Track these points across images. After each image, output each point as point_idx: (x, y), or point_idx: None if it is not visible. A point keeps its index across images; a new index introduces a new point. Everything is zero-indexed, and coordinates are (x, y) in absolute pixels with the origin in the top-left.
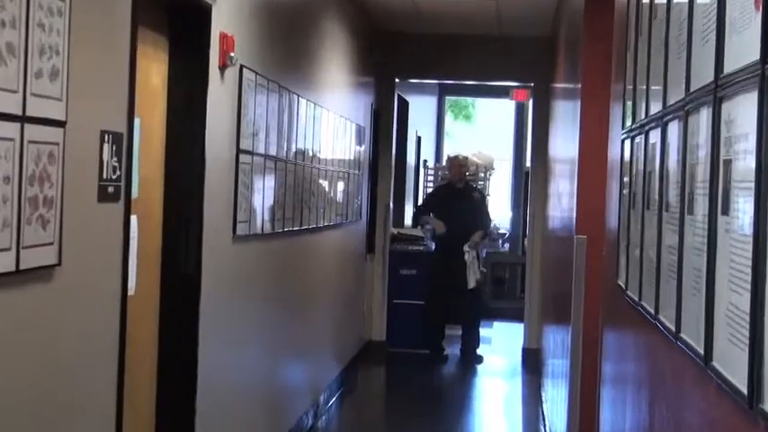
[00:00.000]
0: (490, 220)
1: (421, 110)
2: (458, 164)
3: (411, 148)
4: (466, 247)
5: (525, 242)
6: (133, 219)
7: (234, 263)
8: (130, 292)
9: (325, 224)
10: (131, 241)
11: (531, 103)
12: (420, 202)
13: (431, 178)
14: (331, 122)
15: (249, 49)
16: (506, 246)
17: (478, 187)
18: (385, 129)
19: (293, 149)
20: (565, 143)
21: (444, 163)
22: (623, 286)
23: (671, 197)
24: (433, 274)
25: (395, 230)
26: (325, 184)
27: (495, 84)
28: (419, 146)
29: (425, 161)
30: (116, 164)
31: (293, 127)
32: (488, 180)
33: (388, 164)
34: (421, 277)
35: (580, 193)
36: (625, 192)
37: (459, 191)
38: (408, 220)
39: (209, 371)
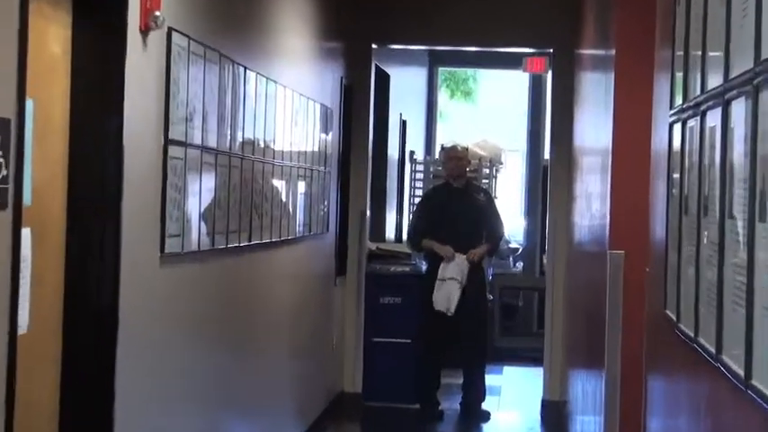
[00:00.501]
0: (502, 228)
1: (406, 85)
2: (455, 157)
3: (394, 136)
4: (457, 260)
5: (544, 260)
6: (25, 233)
7: (162, 291)
8: (22, 330)
9: (282, 238)
10: (23, 263)
11: (549, 75)
12: (409, 215)
13: (420, 176)
14: (289, 103)
15: (180, 7)
16: (519, 265)
17: (483, 186)
18: (359, 110)
19: (239, 139)
20: (595, 128)
21: (438, 156)
22: (673, 317)
23: (736, 199)
24: (425, 302)
25: (373, 246)
26: (281, 184)
27: (503, 50)
28: (404, 133)
29: (413, 153)
30: (1, 160)
31: (239, 109)
32: (495, 177)
33: (363, 157)
34: (408, 307)
35: (615, 195)
36: (674, 192)
37: (458, 192)
38: (390, 233)
39: None
